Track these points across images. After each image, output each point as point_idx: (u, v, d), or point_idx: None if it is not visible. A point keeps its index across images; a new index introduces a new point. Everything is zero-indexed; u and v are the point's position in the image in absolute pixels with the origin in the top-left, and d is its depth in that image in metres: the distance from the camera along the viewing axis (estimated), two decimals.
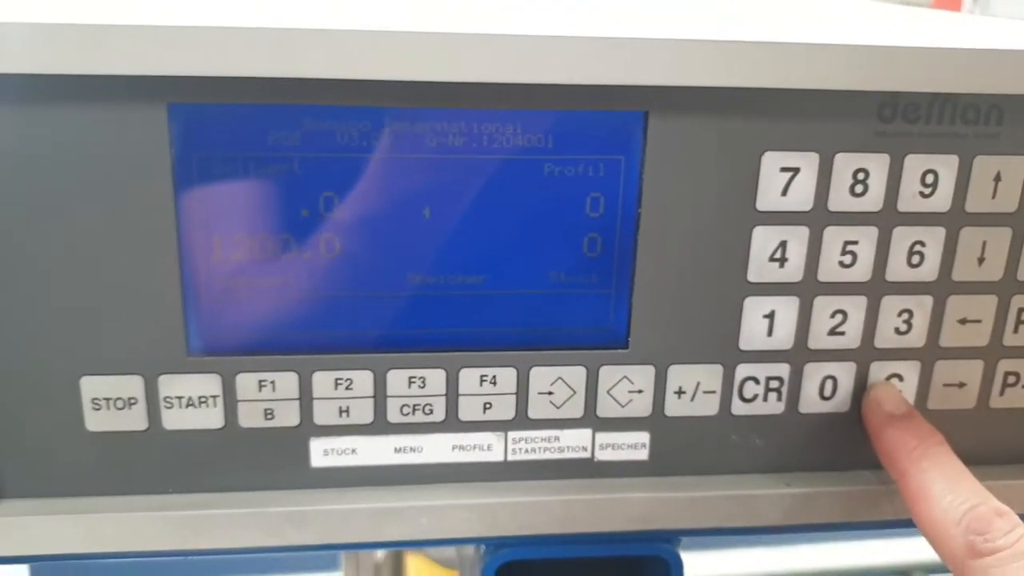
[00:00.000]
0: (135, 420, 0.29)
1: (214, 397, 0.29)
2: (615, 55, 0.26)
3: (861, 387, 0.32)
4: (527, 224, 0.29)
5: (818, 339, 0.31)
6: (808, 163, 0.29)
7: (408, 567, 0.64)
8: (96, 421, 0.29)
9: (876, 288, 0.31)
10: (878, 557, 1.16)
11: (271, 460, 0.30)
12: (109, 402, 0.29)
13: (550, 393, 0.31)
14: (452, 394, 0.30)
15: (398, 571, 0.64)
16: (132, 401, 0.29)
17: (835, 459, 0.33)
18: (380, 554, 0.64)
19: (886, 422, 0.30)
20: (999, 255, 0.31)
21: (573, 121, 0.28)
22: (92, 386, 0.28)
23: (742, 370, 0.31)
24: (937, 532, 0.28)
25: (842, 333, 0.31)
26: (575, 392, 0.31)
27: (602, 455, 0.32)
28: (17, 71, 0.25)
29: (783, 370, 0.31)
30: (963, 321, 0.32)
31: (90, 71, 0.25)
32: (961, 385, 0.32)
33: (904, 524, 0.33)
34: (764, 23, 0.33)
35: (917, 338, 0.32)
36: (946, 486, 0.28)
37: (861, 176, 0.29)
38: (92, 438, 0.29)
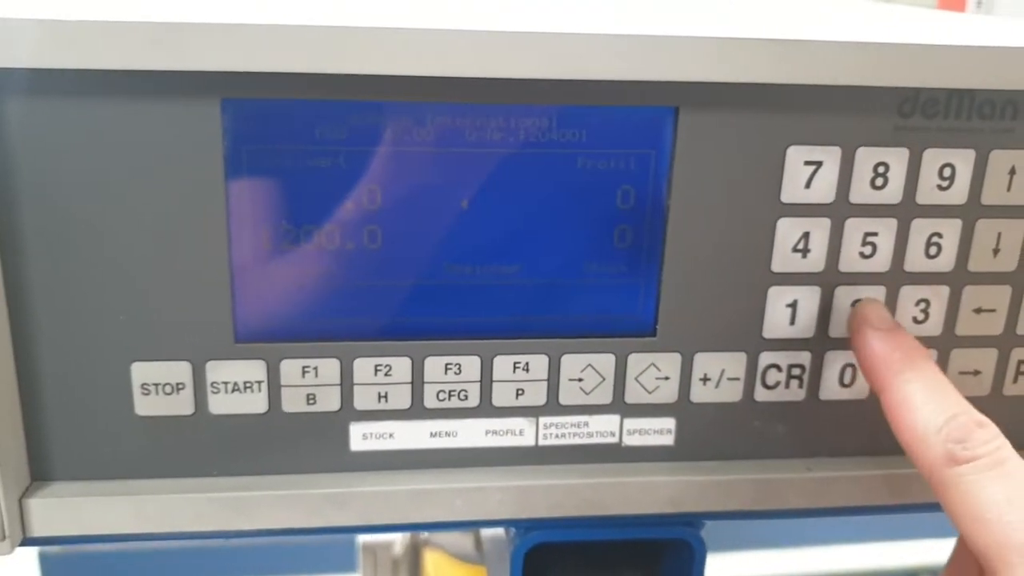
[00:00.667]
0: (183, 405, 0.30)
1: (259, 383, 0.30)
2: (647, 52, 0.27)
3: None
4: (560, 215, 0.30)
5: (839, 327, 0.32)
6: (831, 157, 0.30)
7: (426, 563, 0.64)
8: (145, 406, 0.30)
9: (895, 278, 0.32)
10: (886, 560, 1.17)
11: (312, 444, 0.31)
12: (158, 387, 0.30)
13: (580, 380, 0.32)
14: (486, 380, 0.31)
15: (416, 567, 0.65)
16: (180, 386, 0.30)
17: (855, 445, 0.34)
18: (398, 550, 0.65)
19: (871, 336, 0.30)
20: (1014, 246, 0.32)
21: (606, 116, 0.29)
22: (142, 372, 0.29)
23: (765, 358, 0.32)
24: (916, 441, 0.28)
25: None
26: (604, 379, 0.32)
27: (629, 440, 0.33)
28: (78, 67, 0.26)
29: (805, 358, 0.32)
30: (978, 310, 0.33)
31: (148, 67, 0.26)
32: (976, 373, 0.34)
33: (923, 508, 0.34)
34: (786, 21, 0.34)
35: (934, 327, 0.33)
36: (928, 396, 0.28)
37: (881, 169, 0.30)
38: (141, 422, 0.30)
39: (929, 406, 0.28)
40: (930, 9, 0.58)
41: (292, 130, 0.28)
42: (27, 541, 0.30)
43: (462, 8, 0.32)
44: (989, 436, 0.27)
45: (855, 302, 0.32)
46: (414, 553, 0.65)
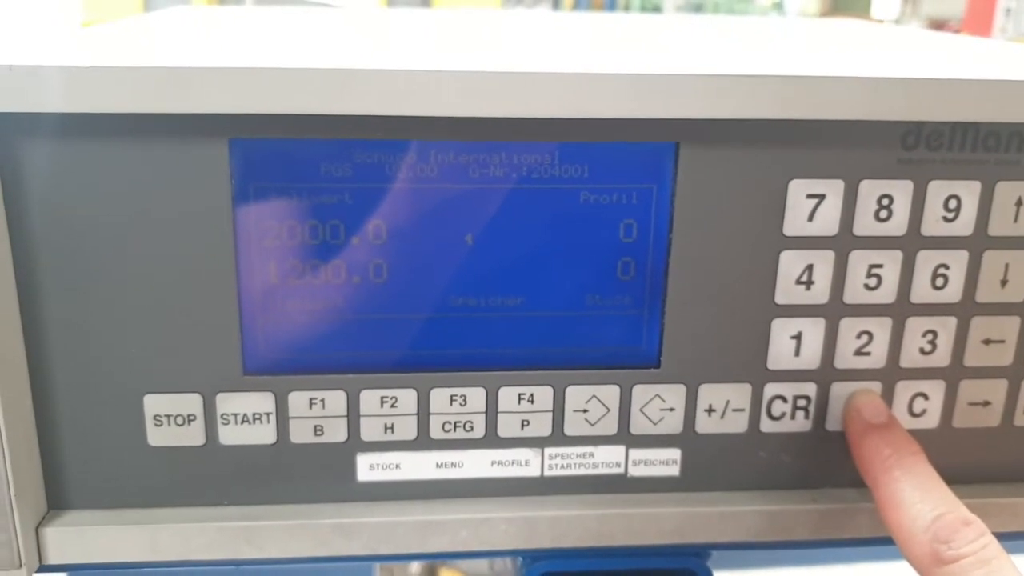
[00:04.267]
0: (194, 436, 0.31)
1: (268, 414, 0.31)
2: (647, 90, 0.28)
3: (887, 406, 0.33)
4: (564, 249, 0.30)
5: (844, 359, 0.32)
6: (834, 190, 0.30)
7: None
8: (157, 436, 0.31)
9: (901, 310, 0.32)
10: None
11: (320, 474, 0.32)
12: (170, 418, 0.30)
13: (585, 411, 0.32)
14: (491, 411, 0.32)
15: None
16: (191, 418, 0.30)
17: (861, 476, 0.34)
18: (415, 569, 0.66)
19: (864, 431, 0.31)
20: (1022, 277, 0.32)
21: (608, 152, 0.29)
22: (154, 404, 0.30)
23: (770, 389, 0.32)
24: (905, 539, 0.28)
25: (867, 353, 0.32)
26: (609, 410, 0.32)
27: (635, 471, 0.33)
28: (93, 111, 0.26)
29: (810, 389, 0.32)
30: (987, 341, 0.32)
31: (159, 110, 0.27)
32: (986, 404, 0.33)
33: None
34: (786, 56, 0.34)
35: (942, 358, 0.32)
36: (916, 494, 0.28)
37: (885, 202, 0.30)
38: (154, 453, 0.31)
39: (917, 505, 0.28)
40: (950, 34, 0.58)
41: (298, 168, 0.29)
42: (43, 568, 0.31)
43: (464, 49, 0.33)
44: (975, 535, 0.27)
45: (850, 395, 0.32)
46: (430, 572, 0.65)
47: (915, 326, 0.32)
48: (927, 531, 0.27)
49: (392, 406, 0.31)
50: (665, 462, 0.33)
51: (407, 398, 0.31)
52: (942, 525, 0.27)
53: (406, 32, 0.41)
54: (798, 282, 0.31)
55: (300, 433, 0.31)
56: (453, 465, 0.32)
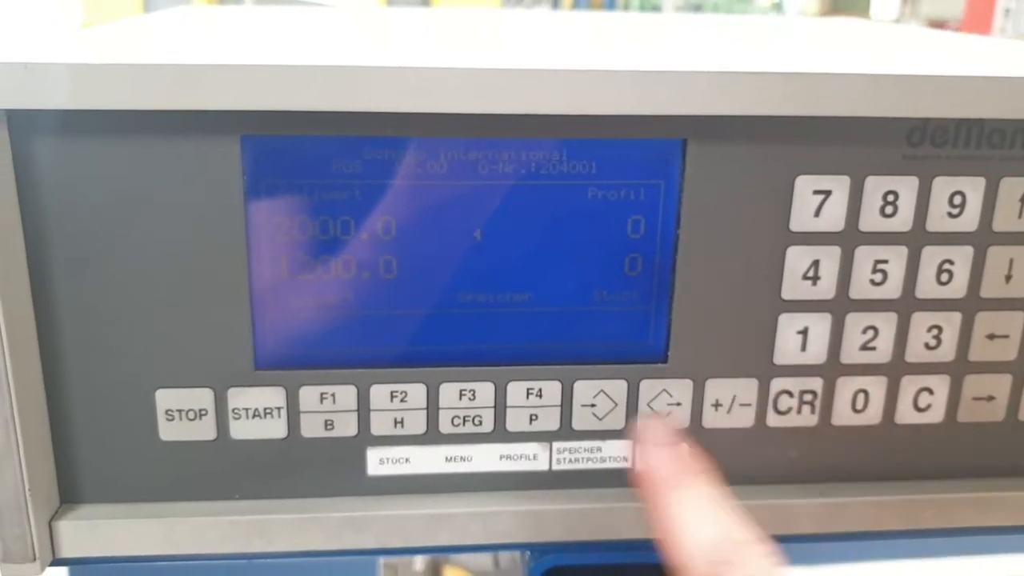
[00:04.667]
0: (205, 430, 0.31)
1: (279, 409, 0.31)
2: (655, 87, 0.28)
3: (892, 400, 0.33)
4: (572, 245, 0.31)
5: (850, 354, 0.32)
6: (840, 186, 0.30)
7: None
8: (169, 431, 0.31)
9: (906, 305, 0.32)
10: None
11: (330, 468, 0.32)
12: (181, 413, 0.31)
13: (593, 405, 0.32)
14: (500, 406, 0.32)
15: None
16: (203, 412, 0.31)
17: (867, 470, 0.34)
18: (419, 566, 0.66)
19: (648, 455, 0.30)
20: None
21: (616, 149, 0.30)
22: (166, 398, 0.30)
23: (777, 384, 0.33)
24: (683, 565, 0.27)
25: (873, 348, 0.32)
26: (617, 404, 0.32)
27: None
28: (106, 108, 0.27)
29: (816, 384, 0.33)
30: (991, 336, 0.33)
31: (172, 107, 0.27)
32: (990, 398, 0.34)
33: (935, 533, 0.34)
34: (793, 53, 0.34)
35: (946, 353, 0.33)
36: (693, 520, 0.28)
37: (891, 198, 0.31)
38: (166, 447, 0.31)
39: (694, 531, 0.27)
40: (952, 32, 0.58)
41: (309, 165, 0.29)
42: (56, 562, 0.31)
43: (469, 47, 0.33)
44: (750, 556, 0.27)
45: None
46: (434, 570, 0.65)
47: (920, 321, 0.32)
48: (704, 556, 0.27)
49: (402, 401, 0.31)
50: None
51: (417, 393, 0.31)
52: (721, 548, 0.27)
53: (408, 31, 0.42)
54: (804, 277, 0.31)
55: (311, 427, 0.31)
56: (462, 459, 0.33)
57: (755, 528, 0.27)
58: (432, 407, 0.32)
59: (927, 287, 0.32)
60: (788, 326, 0.32)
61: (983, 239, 0.31)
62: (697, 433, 0.33)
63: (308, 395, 0.31)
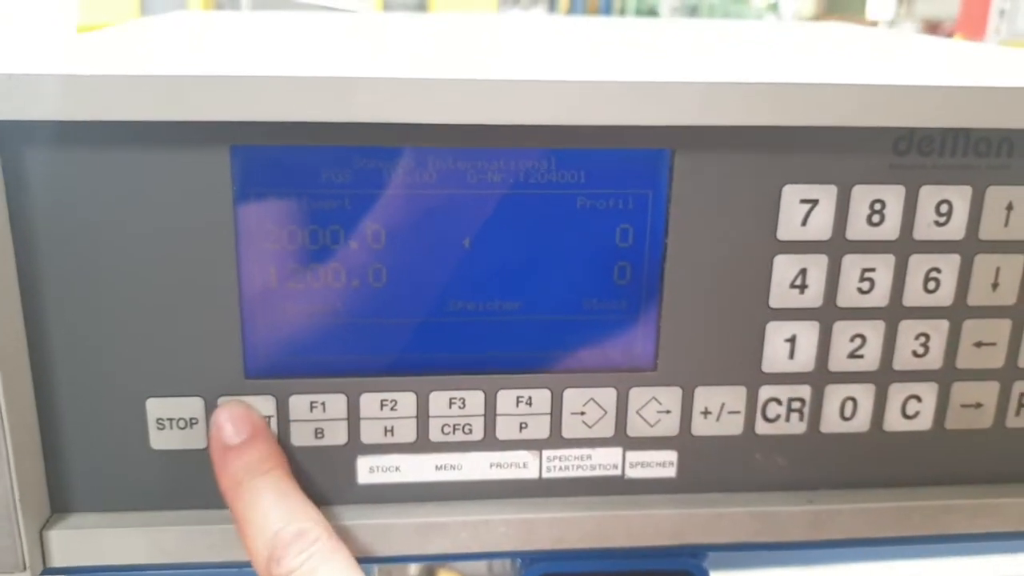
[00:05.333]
0: (196, 439, 0.31)
1: (269, 417, 0.31)
2: (643, 98, 0.28)
3: (881, 408, 0.33)
4: (561, 254, 0.31)
5: (838, 362, 0.32)
6: (827, 195, 0.30)
7: None
8: (160, 440, 0.31)
9: (893, 313, 0.32)
10: None
11: (320, 476, 0.32)
12: (172, 422, 0.31)
13: (582, 413, 0.32)
14: (490, 414, 0.32)
15: None
16: (193, 421, 0.31)
17: (855, 477, 0.34)
18: (413, 571, 0.66)
19: (223, 453, 0.30)
20: (1013, 280, 0.32)
21: (604, 158, 0.30)
22: (157, 407, 0.31)
23: (765, 391, 0.33)
24: (253, 561, 0.28)
25: (861, 356, 0.32)
26: (606, 412, 0.33)
27: (632, 473, 0.33)
28: (95, 119, 0.27)
29: (805, 391, 0.33)
30: (979, 344, 0.33)
31: (161, 118, 0.27)
32: (978, 406, 0.34)
33: (924, 540, 0.34)
34: (780, 63, 0.34)
35: (934, 360, 0.33)
36: (260, 514, 0.28)
37: (878, 207, 0.31)
38: (156, 456, 0.31)
39: (261, 524, 0.28)
40: (944, 39, 0.58)
41: (298, 175, 0.29)
42: (47, 571, 0.31)
43: (461, 56, 0.33)
44: (303, 547, 0.27)
45: (218, 407, 0.31)
46: (428, 574, 0.65)
47: (908, 329, 0.32)
48: (266, 548, 0.27)
49: (392, 409, 0.32)
50: (662, 464, 0.33)
51: (407, 401, 0.31)
52: (276, 542, 0.27)
53: (403, 38, 0.42)
54: (792, 286, 0.31)
55: (301, 436, 0.31)
56: (452, 467, 0.33)
57: (318, 516, 0.28)
58: (422, 415, 0.32)
59: (914, 295, 0.32)
60: (776, 334, 0.32)
61: (970, 247, 0.32)
62: (686, 441, 0.33)
63: (298, 404, 0.31)
